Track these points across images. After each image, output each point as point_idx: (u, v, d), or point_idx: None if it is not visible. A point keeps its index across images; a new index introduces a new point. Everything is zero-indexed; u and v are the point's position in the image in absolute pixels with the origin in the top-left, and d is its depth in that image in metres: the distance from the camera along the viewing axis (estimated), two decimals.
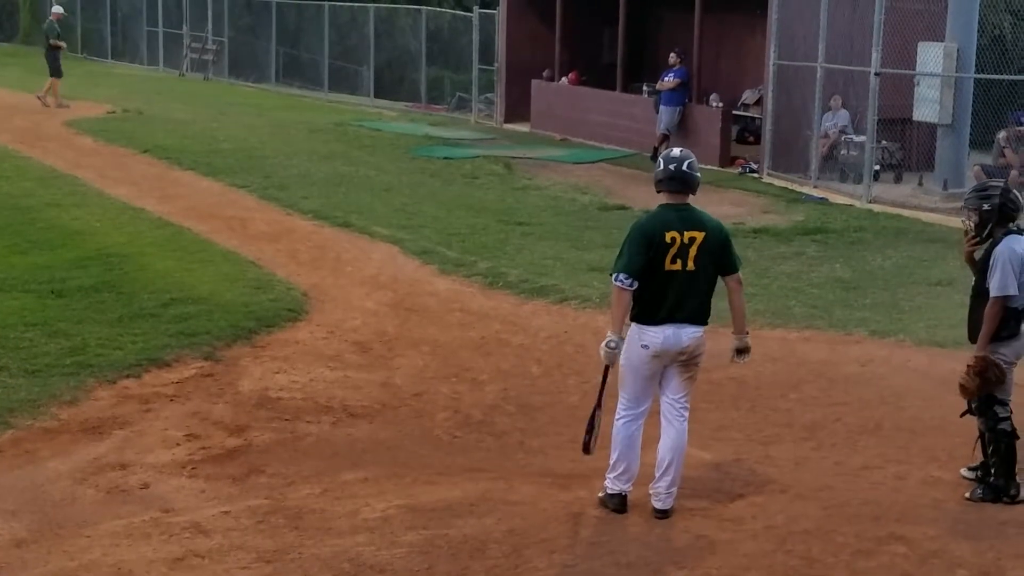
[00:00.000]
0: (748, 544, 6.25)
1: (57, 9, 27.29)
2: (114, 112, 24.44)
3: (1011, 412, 6.94)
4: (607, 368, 6.62)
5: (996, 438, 6.86)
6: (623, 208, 16.03)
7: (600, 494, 6.74)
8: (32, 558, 6.17)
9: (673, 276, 6.47)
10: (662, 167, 6.62)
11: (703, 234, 6.51)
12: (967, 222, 6.99)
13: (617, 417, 6.70)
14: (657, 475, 6.61)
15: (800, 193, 17.41)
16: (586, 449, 6.77)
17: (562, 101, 24.14)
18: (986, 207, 6.85)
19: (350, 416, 8.42)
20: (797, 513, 6.62)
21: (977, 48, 16.63)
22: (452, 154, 20.84)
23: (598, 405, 6.71)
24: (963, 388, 6.89)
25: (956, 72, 16.36)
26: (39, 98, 25.08)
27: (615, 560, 6.09)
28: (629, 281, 6.50)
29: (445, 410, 8.59)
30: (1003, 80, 16.06)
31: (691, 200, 6.62)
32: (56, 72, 25.35)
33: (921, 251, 13.52)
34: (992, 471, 6.89)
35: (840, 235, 14.41)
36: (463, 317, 10.83)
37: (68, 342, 9.50)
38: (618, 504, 6.65)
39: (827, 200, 16.84)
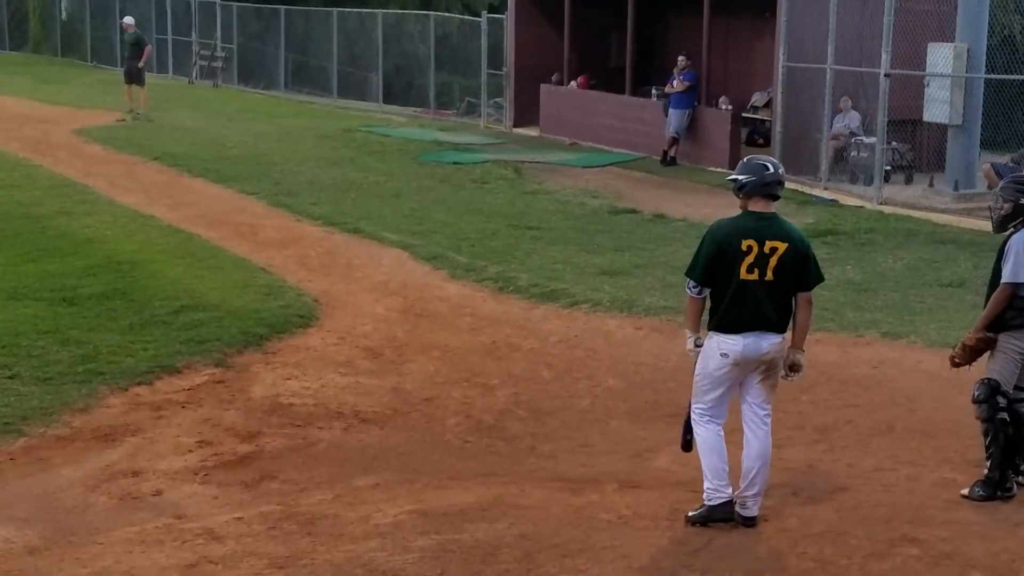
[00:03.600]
0: (761, 547, 6.24)
1: (128, 20, 27.21)
2: (123, 120, 24.49)
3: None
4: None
5: (994, 428, 6.84)
6: (633, 212, 16.02)
7: (696, 510, 6.49)
8: (45, 565, 6.18)
9: (749, 286, 6.28)
10: (754, 173, 6.36)
11: (786, 245, 6.30)
12: (997, 209, 7.01)
13: (697, 425, 6.51)
14: (743, 484, 6.46)
15: (810, 195, 17.38)
16: (687, 447, 6.59)
17: (571, 105, 24.13)
18: (1023, 201, 6.88)
19: (361, 422, 8.42)
20: (810, 516, 6.60)
21: (987, 48, 16.59)
22: (461, 159, 20.84)
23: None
24: (952, 360, 7.03)
25: (966, 73, 16.32)
26: (132, 112, 24.88)
27: (627, 564, 6.08)
28: (697, 289, 6.41)
29: (456, 415, 8.58)
30: (1013, 80, 16.01)
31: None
32: (141, 81, 25.37)
33: (932, 252, 13.48)
34: (988, 463, 6.87)
35: (851, 237, 14.38)
36: (473, 322, 10.83)
37: (80, 350, 9.52)
38: (727, 512, 6.44)
39: (837, 202, 16.82)
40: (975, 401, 6.90)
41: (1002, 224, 6.99)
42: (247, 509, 6.83)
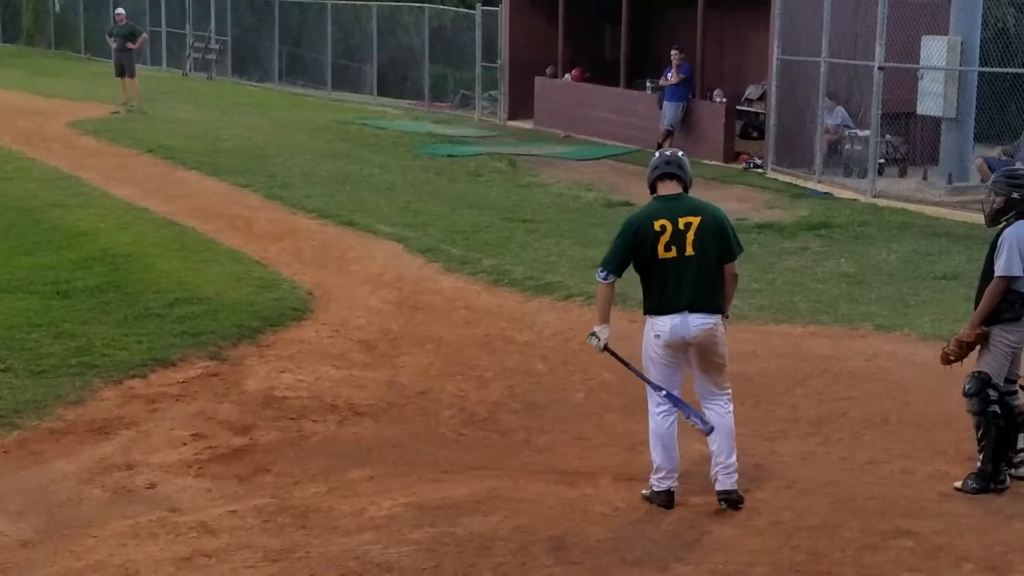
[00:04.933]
0: (754, 539, 6.25)
1: (120, 11, 27.14)
2: (117, 112, 24.44)
3: (1020, 397, 6.97)
4: (614, 356, 6.75)
5: (985, 421, 6.86)
6: (627, 204, 15.97)
7: (644, 492, 6.73)
8: (38, 558, 6.18)
9: (669, 264, 6.51)
10: (652, 163, 6.78)
11: (699, 218, 6.55)
12: (989, 203, 7.02)
13: (650, 414, 6.71)
14: (712, 460, 6.63)
15: (804, 188, 17.39)
16: (706, 427, 6.59)
17: (566, 98, 24.12)
18: (1016, 195, 6.91)
19: (356, 415, 8.43)
20: (803, 508, 6.61)
21: (981, 41, 16.58)
22: (456, 152, 20.83)
23: (657, 387, 6.64)
24: (945, 355, 7.05)
25: (960, 66, 16.33)
26: (126, 105, 24.78)
27: (621, 557, 6.09)
28: (604, 274, 6.67)
29: (450, 408, 8.59)
30: (1007, 73, 16.02)
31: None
32: (132, 72, 25.29)
33: (926, 245, 13.49)
34: (980, 456, 6.88)
35: (845, 230, 14.40)
36: (468, 315, 10.83)
37: (73, 343, 9.51)
38: (665, 500, 6.64)
39: (831, 195, 16.82)
40: (966, 395, 6.92)
41: (994, 218, 7.00)
42: (241, 502, 6.83)
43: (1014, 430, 7.01)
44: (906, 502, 6.71)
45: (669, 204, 6.62)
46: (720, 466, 6.62)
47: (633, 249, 6.58)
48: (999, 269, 6.80)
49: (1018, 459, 7.04)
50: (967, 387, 6.92)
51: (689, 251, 6.50)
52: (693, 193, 6.75)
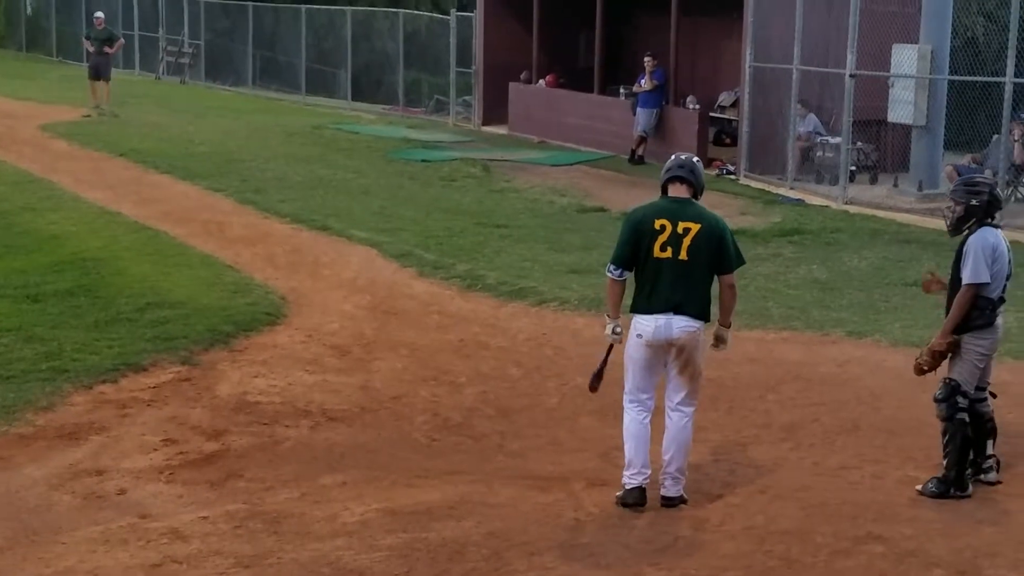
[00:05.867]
0: (727, 544, 6.27)
1: (99, 15, 27.00)
2: (89, 116, 24.31)
3: (990, 406, 7.02)
4: (610, 347, 6.86)
5: (953, 427, 6.90)
6: (601, 210, 16.05)
7: (618, 494, 6.76)
8: (7, 565, 6.13)
9: (662, 264, 6.56)
10: (667, 165, 6.85)
11: (699, 226, 6.60)
12: (950, 212, 7.06)
13: (624, 411, 6.78)
14: (663, 466, 6.73)
15: (777, 195, 17.47)
16: (592, 386, 6.96)
17: (540, 104, 24.15)
18: (974, 202, 6.95)
19: (329, 420, 8.40)
20: (776, 513, 6.64)
21: (951, 50, 16.71)
22: (430, 157, 20.82)
23: (604, 363, 6.88)
24: (918, 366, 7.06)
25: (930, 74, 16.44)
26: (97, 108, 24.65)
27: (595, 562, 6.10)
28: (618, 272, 6.72)
29: (424, 413, 8.58)
30: (976, 82, 16.14)
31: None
32: (108, 76, 25.17)
33: (897, 252, 13.58)
34: (945, 461, 6.92)
35: (816, 236, 14.46)
36: (441, 320, 10.82)
37: (44, 347, 9.45)
38: (637, 497, 6.69)
39: (803, 201, 16.91)
40: (936, 400, 6.97)
41: (956, 226, 7.03)
42: (213, 508, 6.80)
43: (984, 437, 7.06)
44: (877, 507, 6.75)
45: (674, 206, 6.69)
46: (669, 475, 6.73)
47: (635, 243, 6.65)
48: (966, 277, 6.85)
49: (987, 465, 7.09)
50: (937, 393, 6.96)
51: (683, 255, 6.57)
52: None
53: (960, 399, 6.88)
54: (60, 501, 6.97)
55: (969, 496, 6.90)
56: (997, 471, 7.11)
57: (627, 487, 6.72)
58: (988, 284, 6.83)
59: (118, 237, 13.59)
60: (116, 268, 12.08)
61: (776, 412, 8.48)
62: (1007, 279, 6.97)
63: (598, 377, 6.94)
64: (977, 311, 6.86)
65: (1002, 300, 6.98)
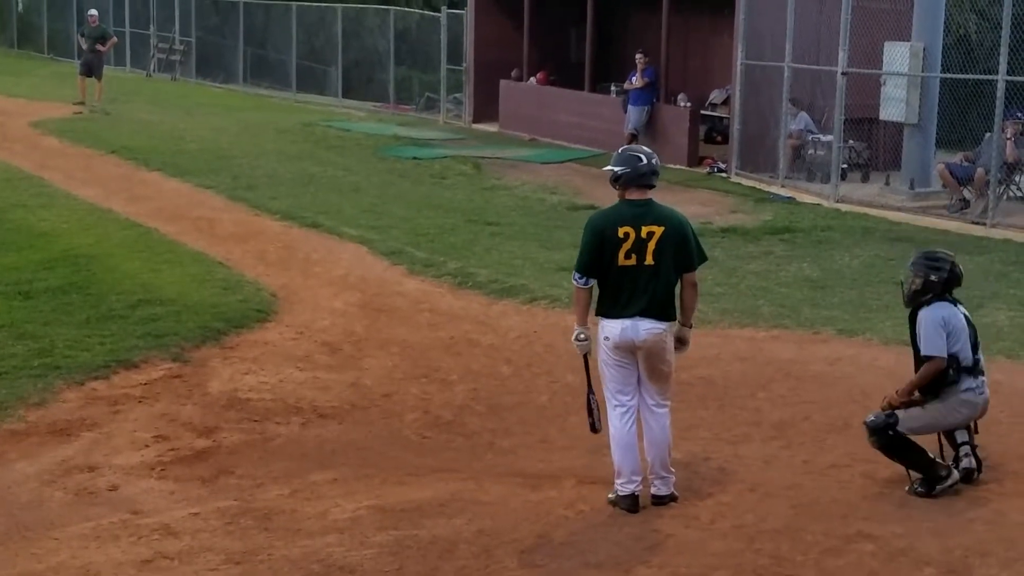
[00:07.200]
0: (717, 543, 6.28)
1: (92, 12, 26.96)
2: (80, 112, 24.26)
3: (972, 462, 6.96)
4: (585, 357, 6.80)
5: (891, 450, 6.85)
6: (592, 208, 15.95)
7: (610, 495, 6.76)
8: None
9: (627, 271, 6.52)
10: (628, 164, 6.62)
11: (663, 228, 6.54)
12: (908, 283, 7.00)
13: (609, 416, 6.75)
14: (649, 470, 6.75)
15: (768, 192, 17.50)
16: (593, 429, 6.87)
17: (530, 101, 24.16)
18: (933, 277, 6.91)
19: (319, 417, 8.41)
20: (766, 512, 6.65)
21: (943, 48, 16.73)
22: (421, 154, 20.81)
23: (589, 389, 6.81)
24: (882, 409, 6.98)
25: (922, 72, 16.47)
26: (87, 105, 24.63)
27: (585, 560, 6.10)
28: (583, 280, 6.66)
29: (415, 411, 8.58)
30: (968, 80, 16.17)
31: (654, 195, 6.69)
32: (100, 73, 25.16)
33: (888, 250, 13.60)
34: (910, 472, 6.89)
35: (808, 234, 14.48)
36: (432, 317, 10.82)
37: (35, 344, 9.44)
38: (630, 504, 6.67)
39: (795, 199, 16.93)
40: (867, 427, 6.90)
41: (912, 299, 6.98)
42: (204, 504, 6.80)
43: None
44: (867, 506, 6.76)
45: (636, 211, 6.59)
46: (656, 475, 6.75)
47: (598, 251, 6.59)
48: (924, 349, 6.80)
49: (962, 452, 7.04)
50: (869, 420, 6.89)
51: (648, 260, 6.52)
52: (660, 198, 6.75)
53: (891, 431, 6.83)
54: (52, 497, 6.97)
55: (956, 480, 6.88)
56: (975, 458, 7.05)
57: (620, 495, 6.70)
58: (952, 355, 6.77)
59: (109, 234, 13.57)
60: (107, 265, 12.07)
61: (767, 410, 8.49)
62: (975, 350, 6.89)
63: (591, 413, 6.82)
64: (945, 377, 6.79)
65: (977, 372, 6.88)
